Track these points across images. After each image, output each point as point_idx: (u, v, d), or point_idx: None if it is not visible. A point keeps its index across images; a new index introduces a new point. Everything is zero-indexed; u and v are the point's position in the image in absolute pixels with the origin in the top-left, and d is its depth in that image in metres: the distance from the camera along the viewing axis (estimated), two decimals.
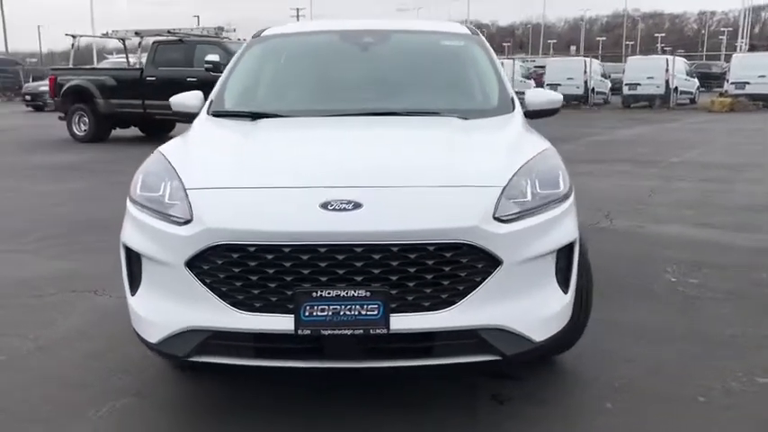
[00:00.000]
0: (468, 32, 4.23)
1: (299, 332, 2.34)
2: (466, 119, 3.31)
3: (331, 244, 2.33)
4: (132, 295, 2.65)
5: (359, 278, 2.33)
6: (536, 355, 2.64)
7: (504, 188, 2.53)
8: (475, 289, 2.40)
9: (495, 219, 2.44)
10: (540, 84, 24.63)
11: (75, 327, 3.75)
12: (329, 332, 2.34)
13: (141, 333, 2.62)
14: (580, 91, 25.99)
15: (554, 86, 22.73)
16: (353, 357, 2.46)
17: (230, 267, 2.38)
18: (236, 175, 2.65)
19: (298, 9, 71.15)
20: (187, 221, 2.45)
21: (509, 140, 3.09)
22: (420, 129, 3.33)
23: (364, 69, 4.09)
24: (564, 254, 2.63)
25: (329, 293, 2.32)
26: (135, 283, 2.64)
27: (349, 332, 2.34)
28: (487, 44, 4.14)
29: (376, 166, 2.73)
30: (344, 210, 2.38)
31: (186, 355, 2.49)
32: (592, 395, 2.93)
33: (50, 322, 3.81)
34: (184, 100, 3.78)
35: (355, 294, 2.32)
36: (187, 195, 2.53)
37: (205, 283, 2.41)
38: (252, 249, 2.35)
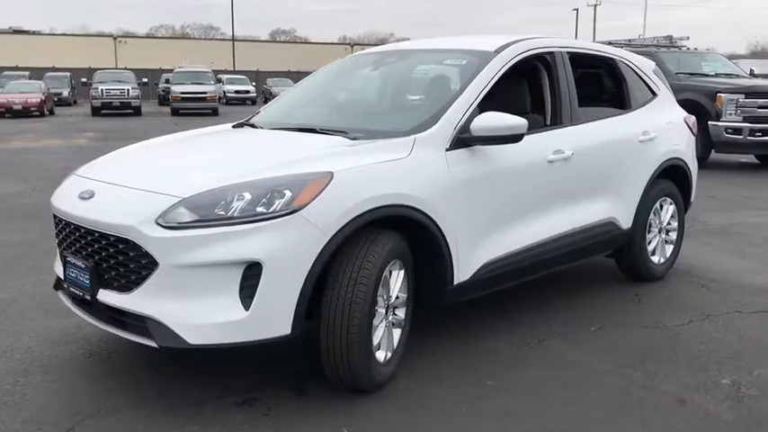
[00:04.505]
0: (489, 50, 3.85)
1: (65, 285, 3.22)
2: (354, 139, 3.34)
3: (73, 223, 3.07)
4: None
5: (83, 252, 3.04)
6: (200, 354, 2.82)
7: (186, 199, 2.78)
8: (143, 281, 2.79)
9: (158, 224, 2.74)
10: None
11: None
12: (71, 289, 3.14)
13: None
14: None
15: None
16: (96, 317, 3.08)
17: (55, 228, 3.35)
18: (93, 166, 3.54)
19: None
20: None
21: (300, 158, 3.12)
22: (274, 144, 3.63)
23: (349, 89, 4.59)
24: (252, 272, 2.72)
25: (71, 260, 3.10)
26: None
27: (77, 293, 3.09)
28: (497, 63, 3.74)
29: (129, 165, 3.44)
30: (84, 198, 3.06)
31: (54, 286, 3.47)
32: None
33: None
34: None
35: (78, 264, 3.05)
36: (70, 176, 3.53)
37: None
38: (57, 219, 3.30)
